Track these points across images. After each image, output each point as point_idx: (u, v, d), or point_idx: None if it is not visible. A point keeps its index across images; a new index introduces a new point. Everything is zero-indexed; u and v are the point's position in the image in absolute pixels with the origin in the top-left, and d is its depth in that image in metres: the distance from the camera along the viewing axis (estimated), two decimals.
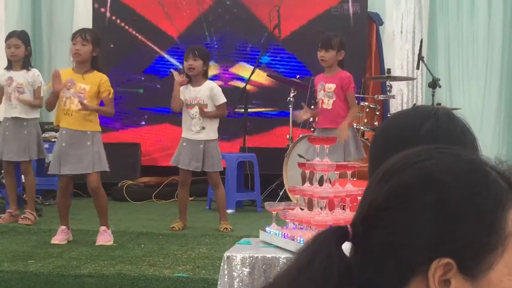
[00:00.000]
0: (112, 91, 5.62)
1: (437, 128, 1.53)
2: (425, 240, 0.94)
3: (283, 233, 3.78)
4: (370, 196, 1.01)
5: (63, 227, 5.53)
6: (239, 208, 7.17)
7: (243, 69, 8.39)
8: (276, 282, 1.02)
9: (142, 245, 5.38)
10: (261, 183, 7.29)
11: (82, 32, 5.60)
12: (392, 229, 0.96)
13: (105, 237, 5.47)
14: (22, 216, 6.23)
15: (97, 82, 5.51)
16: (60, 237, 5.46)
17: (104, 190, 5.69)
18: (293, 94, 7.13)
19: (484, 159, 1.01)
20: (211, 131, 6.02)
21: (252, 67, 7.83)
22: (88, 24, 8.30)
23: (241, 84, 8.12)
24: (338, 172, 3.82)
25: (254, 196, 7.28)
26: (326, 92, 5.98)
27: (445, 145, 1.09)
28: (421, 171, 0.98)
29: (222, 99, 6.01)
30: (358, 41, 8.06)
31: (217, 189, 6.23)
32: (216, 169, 6.10)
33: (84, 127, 5.49)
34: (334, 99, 5.95)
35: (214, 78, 7.68)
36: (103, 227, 5.52)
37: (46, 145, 6.73)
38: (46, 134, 7.28)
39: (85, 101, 5.38)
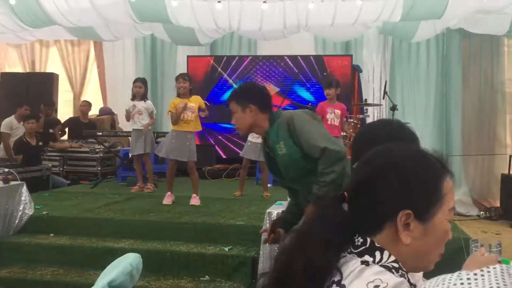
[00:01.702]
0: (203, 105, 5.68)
1: (391, 131, 1.54)
2: (393, 200, 0.95)
3: None
4: (357, 175, 1.03)
5: (169, 193, 5.55)
6: (275, 183, 7.16)
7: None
8: (302, 227, 1.02)
9: (217, 205, 5.37)
10: None
11: (183, 75, 5.69)
12: (372, 194, 0.96)
13: (196, 200, 5.51)
14: (146, 187, 6.33)
15: (198, 101, 5.59)
16: (168, 200, 5.50)
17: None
18: None
19: (425, 149, 1.03)
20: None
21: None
22: (185, 70, 8.38)
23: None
24: None
25: None
26: (335, 115, 5.99)
27: (400, 142, 1.11)
28: (387, 158, 1.00)
29: None
30: (347, 83, 8.02)
31: (263, 172, 6.16)
32: (261, 159, 6.01)
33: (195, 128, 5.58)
34: (339, 119, 5.98)
35: None
36: (194, 194, 5.56)
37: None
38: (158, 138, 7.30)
39: (194, 113, 5.48)
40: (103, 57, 9.54)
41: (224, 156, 8.41)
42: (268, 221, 3.69)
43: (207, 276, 3.93)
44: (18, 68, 9.89)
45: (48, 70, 9.60)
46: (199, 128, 5.73)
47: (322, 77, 7.88)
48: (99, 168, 7.55)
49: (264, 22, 6.71)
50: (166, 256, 4.06)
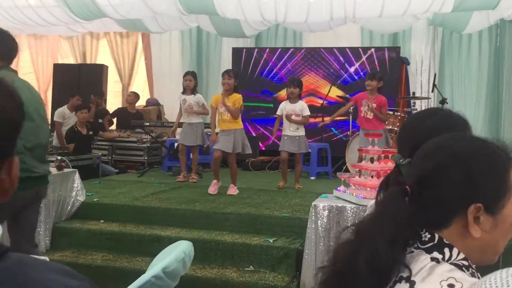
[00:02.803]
0: (242, 103, 5.58)
1: (437, 121, 1.44)
2: (461, 194, 0.93)
3: (348, 191, 3.76)
4: (419, 168, 1.00)
5: (215, 181, 5.53)
6: (318, 177, 7.14)
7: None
8: (363, 222, 1.00)
9: (261, 196, 5.37)
10: (332, 161, 7.22)
11: (228, 71, 5.65)
12: (438, 189, 0.94)
13: (233, 190, 5.50)
14: (191, 177, 6.40)
15: (233, 100, 5.52)
16: (213, 188, 5.49)
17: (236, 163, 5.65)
18: (352, 108, 6.94)
19: (488, 139, 1.00)
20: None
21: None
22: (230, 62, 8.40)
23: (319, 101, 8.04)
24: (383, 155, 3.77)
25: (327, 169, 7.21)
26: (370, 107, 5.87)
27: (461, 133, 1.07)
28: (450, 150, 0.97)
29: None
30: (394, 75, 7.86)
31: (298, 165, 5.94)
32: (303, 150, 5.89)
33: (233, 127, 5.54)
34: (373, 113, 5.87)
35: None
36: (232, 184, 5.54)
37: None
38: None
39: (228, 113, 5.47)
40: (151, 49, 9.73)
41: (263, 149, 8.38)
42: (314, 214, 3.68)
43: (251, 267, 3.96)
44: (70, 60, 10.23)
45: (98, 62, 9.89)
46: (239, 126, 5.59)
47: (369, 70, 7.73)
48: (146, 158, 7.71)
49: (311, 14, 6.64)
50: (212, 245, 4.11)
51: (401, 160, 1.18)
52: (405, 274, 0.90)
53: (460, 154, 0.96)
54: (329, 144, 7.32)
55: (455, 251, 0.92)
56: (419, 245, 0.94)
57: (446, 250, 0.92)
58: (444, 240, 0.93)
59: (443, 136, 1.02)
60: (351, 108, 6.75)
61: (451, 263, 0.90)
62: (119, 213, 4.78)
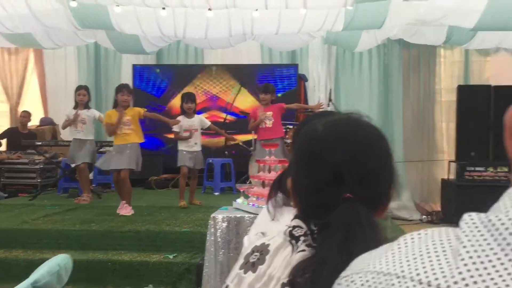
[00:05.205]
0: (142, 111, 5.50)
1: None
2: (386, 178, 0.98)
3: (246, 202, 3.77)
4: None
5: (125, 203, 5.27)
6: (223, 192, 7.13)
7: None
8: None
9: (162, 213, 5.27)
10: (236, 176, 7.24)
11: (127, 87, 5.57)
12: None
13: (127, 209, 5.24)
14: (82, 199, 6.03)
15: (133, 112, 5.43)
16: (126, 210, 5.20)
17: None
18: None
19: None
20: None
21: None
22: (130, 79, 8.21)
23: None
24: (281, 165, 3.84)
25: (231, 184, 7.23)
26: (268, 117, 5.94)
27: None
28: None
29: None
30: (293, 91, 8.13)
31: (194, 180, 5.90)
32: (199, 166, 5.88)
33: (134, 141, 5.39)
34: (273, 120, 5.96)
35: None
36: (124, 202, 5.29)
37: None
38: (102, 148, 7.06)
39: (130, 126, 5.32)
40: (43, 65, 9.20)
41: (168, 166, 8.20)
42: (213, 226, 3.64)
43: (151, 285, 3.82)
44: None
45: None
46: (141, 140, 5.48)
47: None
48: (39, 180, 7.23)
49: (210, 30, 6.69)
50: (108, 266, 3.93)
51: None
52: None
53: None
54: (233, 159, 7.35)
55: None
56: None
57: None
58: None
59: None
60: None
61: None
62: (4, 238, 4.40)
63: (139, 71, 8.56)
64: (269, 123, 5.93)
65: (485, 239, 0.44)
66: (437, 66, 8.37)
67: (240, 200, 3.84)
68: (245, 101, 8.31)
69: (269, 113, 5.88)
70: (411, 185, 8.14)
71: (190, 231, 4.34)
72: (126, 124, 5.33)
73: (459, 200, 6.59)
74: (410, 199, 8.01)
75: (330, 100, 7.43)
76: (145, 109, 5.72)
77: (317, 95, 8.75)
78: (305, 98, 8.48)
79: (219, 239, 3.61)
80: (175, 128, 5.73)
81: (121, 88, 5.51)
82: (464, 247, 0.45)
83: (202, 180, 7.16)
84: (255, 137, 6.35)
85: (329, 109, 7.94)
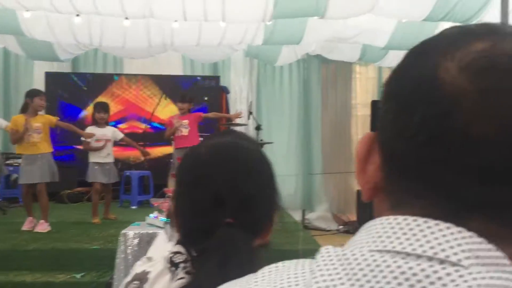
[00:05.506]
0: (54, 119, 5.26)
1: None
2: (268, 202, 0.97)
3: (160, 217, 3.68)
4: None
5: (30, 218, 5.03)
6: (140, 205, 6.92)
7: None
8: None
9: (72, 230, 5.02)
10: (155, 189, 7.05)
11: (45, 93, 5.40)
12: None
13: (43, 227, 4.97)
14: None
15: (44, 120, 5.18)
16: (29, 225, 4.98)
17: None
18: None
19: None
20: None
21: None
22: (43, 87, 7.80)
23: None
24: None
25: (149, 197, 7.02)
26: (183, 125, 5.87)
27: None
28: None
29: None
30: (215, 103, 8.11)
31: (108, 195, 5.71)
32: (113, 180, 5.69)
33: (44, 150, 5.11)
34: (189, 129, 5.89)
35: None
36: (42, 220, 5.01)
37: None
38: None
39: (40, 134, 5.01)
40: None
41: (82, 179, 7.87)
42: (123, 244, 3.50)
43: None
44: None
45: None
46: (50, 150, 5.19)
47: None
48: None
49: (128, 39, 6.52)
50: (8, 287, 3.64)
51: None
52: None
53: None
54: (152, 171, 7.18)
55: None
56: None
57: None
58: None
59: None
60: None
61: None
62: None
63: (52, 78, 8.16)
64: (185, 131, 5.85)
65: (337, 273, 0.45)
66: (353, 81, 8.71)
67: (153, 215, 3.74)
68: (168, 111, 8.18)
69: (185, 122, 5.82)
70: (329, 196, 8.37)
71: (100, 248, 4.16)
72: (36, 132, 5.01)
73: (374, 210, 6.83)
74: (328, 209, 8.22)
75: (250, 112, 7.48)
76: (57, 118, 5.46)
77: (239, 107, 8.79)
78: (227, 110, 8.48)
79: (130, 257, 3.48)
80: (85, 138, 5.50)
81: (39, 93, 5.24)
82: (317, 282, 0.45)
83: (118, 193, 6.93)
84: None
85: (249, 121, 8.02)
